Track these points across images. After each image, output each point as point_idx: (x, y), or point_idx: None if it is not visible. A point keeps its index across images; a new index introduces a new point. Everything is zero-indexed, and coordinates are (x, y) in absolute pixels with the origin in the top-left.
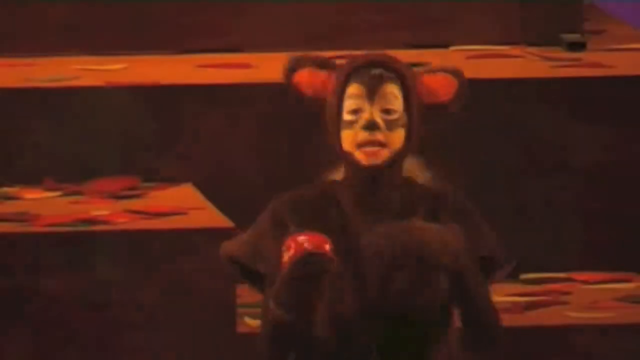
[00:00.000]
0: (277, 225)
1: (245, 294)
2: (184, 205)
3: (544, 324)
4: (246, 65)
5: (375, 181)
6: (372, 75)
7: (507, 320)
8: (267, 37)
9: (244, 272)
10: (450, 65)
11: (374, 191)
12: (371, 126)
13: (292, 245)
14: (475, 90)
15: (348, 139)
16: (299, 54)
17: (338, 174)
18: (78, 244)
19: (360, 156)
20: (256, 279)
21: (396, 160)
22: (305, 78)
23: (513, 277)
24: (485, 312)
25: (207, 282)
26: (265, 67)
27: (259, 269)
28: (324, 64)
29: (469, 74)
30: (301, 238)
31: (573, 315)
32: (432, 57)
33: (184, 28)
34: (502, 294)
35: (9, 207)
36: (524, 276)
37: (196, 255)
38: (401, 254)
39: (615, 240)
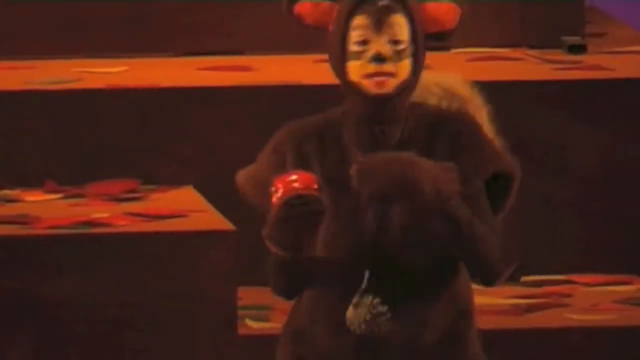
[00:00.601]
0: (277, 155)
1: (246, 296)
2: (185, 208)
3: (545, 326)
4: (247, 68)
5: (379, 112)
6: (380, 6)
7: (508, 322)
8: (268, 39)
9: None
10: None
11: (376, 123)
12: (380, 58)
13: (280, 186)
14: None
15: (355, 69)
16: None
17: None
18: (79, 247)
19: (368, 85)
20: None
21: (404, 89)
22: (307, 9)
23: (513, 279)
24: (480, 250)
25: (208, 285)
26: (266, 69)
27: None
28: None
29: (469, 76)
30: (289, 179)
31: (573, 318)
32: (433, 60)
33: (184, 30)
34: (502, 297)
35: (9, 210)
36: (524, 278)
37: (197, 257)
38: (390, 186)
39: (615, 242)
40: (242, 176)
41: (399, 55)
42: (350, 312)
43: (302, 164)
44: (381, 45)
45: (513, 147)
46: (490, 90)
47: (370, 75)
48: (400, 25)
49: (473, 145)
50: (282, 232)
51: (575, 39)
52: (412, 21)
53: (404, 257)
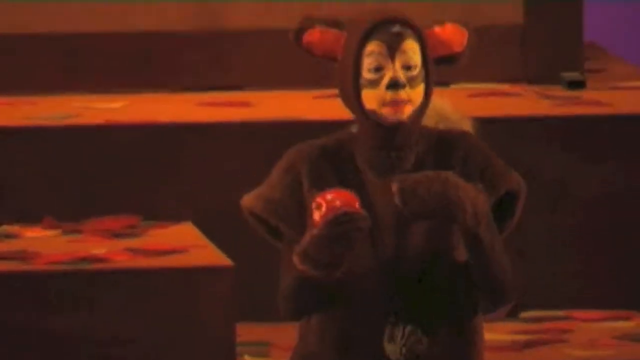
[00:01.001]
0: (291, 175)
1: (245, 332)
2: (184, 244)
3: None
4: (246, 104)
5: (396, 138)
6: (393, 32)
7: (507, 358)
8: (267, 75)
9: (263, 226)
10: (457, 20)
11: (393, 149)
12: (396, 85)
13: (323, 203)
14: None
15: (371, 97)
16: (307, 13)
17: (355, 128)
18: (78, 282)
19: (386, 113)
20: (276, 233)
21: (418, 115)
22: (316, 37)
23: (513, 315)
24: (497, 274)
25: (207, 320)
26: (265, 104)
27: (277, 225)
28: (334, 23)
29: (470, 112)
30: (331, 196)
31: (573, 354)
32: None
33: (184, 66)
34: (502, 332)
35: (9, 246)
36: (523, 314)
37: (196, 293)
38: (434, 203)
39: (614, 277)
40: (251, 198)
41: (413, 81)
42: (387, 347)
43: (320, 182)
44: (396, 71)
45: None
46: (490, 125)
47: (387, 103)
48: (413, 51)
49: (483, 165)
50: (324, 250)
51: (574, 75)
52: (423, 46)
53: (425, 278)
